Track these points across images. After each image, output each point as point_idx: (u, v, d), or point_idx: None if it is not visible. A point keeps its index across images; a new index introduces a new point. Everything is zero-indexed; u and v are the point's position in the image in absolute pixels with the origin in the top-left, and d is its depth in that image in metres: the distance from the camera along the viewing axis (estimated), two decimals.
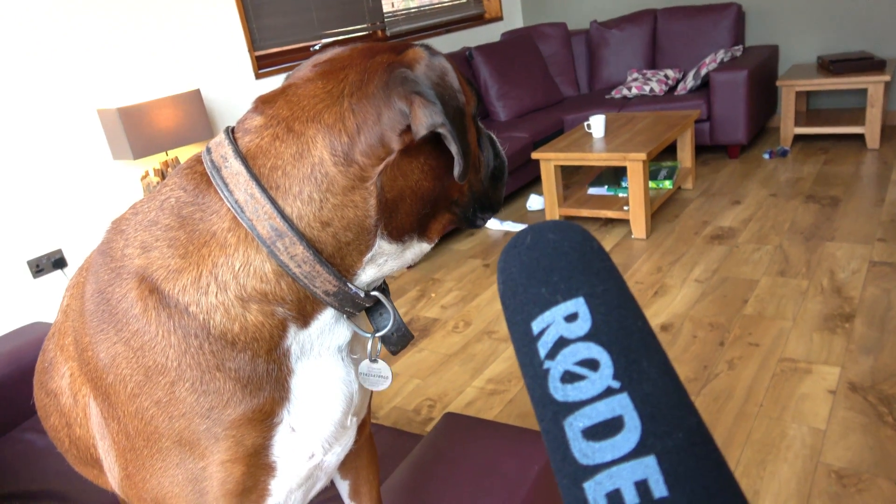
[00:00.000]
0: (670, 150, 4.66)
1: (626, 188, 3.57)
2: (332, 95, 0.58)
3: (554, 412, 0.34)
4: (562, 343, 0.35)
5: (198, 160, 0.61)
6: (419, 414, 2.20)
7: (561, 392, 0.34)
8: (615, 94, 4.68)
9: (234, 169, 0.57)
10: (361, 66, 0.59)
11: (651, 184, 3.68)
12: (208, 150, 0.60)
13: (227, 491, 0.60)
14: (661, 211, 3.67)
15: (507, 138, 4.16)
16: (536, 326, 0.37)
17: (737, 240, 3.15)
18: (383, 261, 0.63)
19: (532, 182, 4.55)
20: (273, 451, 0.61)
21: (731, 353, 2.25)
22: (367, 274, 0.62)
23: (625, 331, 0.35)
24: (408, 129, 0.57)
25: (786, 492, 1.63)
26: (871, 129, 4.07)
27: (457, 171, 0.59)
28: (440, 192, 0.64)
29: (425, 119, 0.56)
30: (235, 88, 3.66)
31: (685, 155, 3.91)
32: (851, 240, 2.95)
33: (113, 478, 0.66)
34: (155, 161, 3.20)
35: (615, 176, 3.81)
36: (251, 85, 3.74)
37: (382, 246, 0.61)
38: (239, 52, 3.65)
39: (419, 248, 0.66)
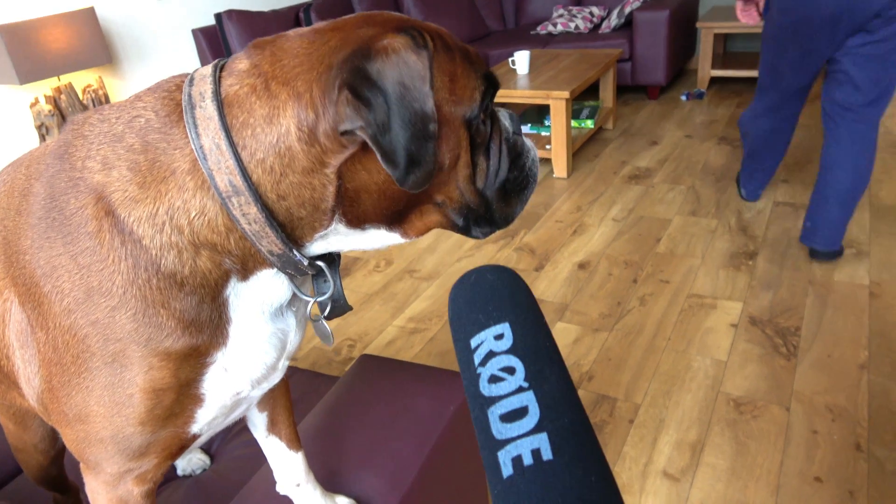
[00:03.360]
0: (592, 90, 4.68)
1: (548, 127, 3.57)
2: (310, 59, 0.54)
3: (482, 404, 0.46)
4: (490, 355, 0.48)
5: (178, 86, 0.58)
6: (339, 354, 2.18)
7: (487, 390, 0.46)
8: (541, 30, 4.62)
9: (207, 112, 0.55)
10: (344, 34, 0.55)
11: (573, 123, 3.70)
12: (191, 81, 0.57)
13: (154, 416, 0.60)
14: (582, 150, 3.70)
15: None
16: (474, 342, 0.50)
17: (653, 180, 3.23)
18: (336, 240, 0.62)
19: None
20: (203, 385, 0.62)
21: (644, 290, 2.33)
22: (316, 247, 0.62)
23: (535, 347, 0.48)
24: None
25: (688, 419, 1.73)
26: None
27: (397, 175, 0.54)
28: (415, 197, 0.60)
29: (347, 118, 0.52)
30: (135, 7, 3.36)
31: (607, 95, 3.93)
32: None
33: (31, 388, 0.63)
34: (45, 87, 2.93)
35: (538, 114, 3.80)
36: (153, 5, 3.44)
37: (339, 228, 0.60)
38: None
39: (389, 237, 0.63)
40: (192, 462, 1.17)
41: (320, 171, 0.55)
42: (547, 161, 3.59)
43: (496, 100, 3.35)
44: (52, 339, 0.58)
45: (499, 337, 0.48)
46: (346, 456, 0.98)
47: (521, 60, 3.56)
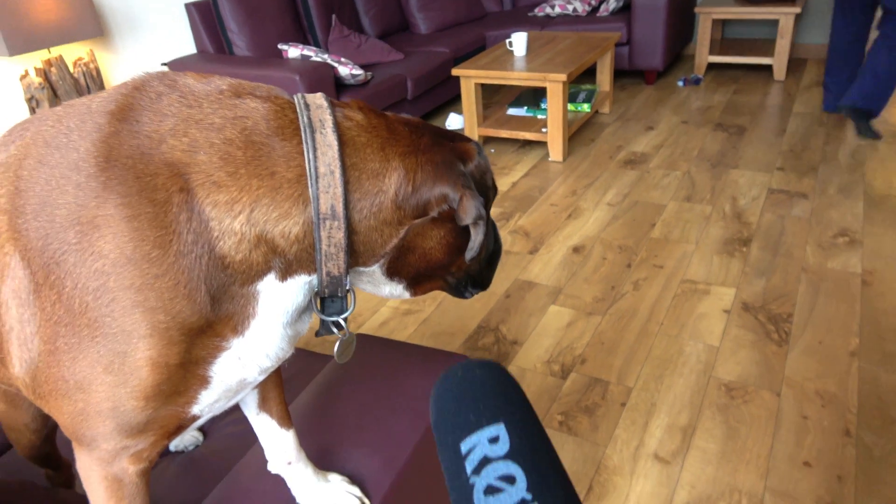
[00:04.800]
0: (589, 74, 4.65)
1: (545, 110, 3.55)
2: (413, 144, 0.68)
3: None
4: (485, 461, 0.43)
5: (289, 104, 0.65)
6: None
7: (484, 503, 0.41)
8: (538, 11, 4.58)
9: (328, 140, 0.62)
10: (432, 137, 0.71)
11: (570, 106, 3.68)
12: (306, 106, 0.64)
13: (158, 391, 0.60)
14: (578, 134, 3.69)
15: (428, 53, 4.01)
16: (464, 446, 0.45)
17: (648, 165, 3.22)
18: (366, 280, 0.73)
19: (452, 100, 4.45)
20: (213, 368, 0.64)
21: (637, 275, 2.33)
22: (350, 278, 0.71)
23: (536, 452, 0.43)
24: (447, 208, 0.68)
25: (679, 403, 1.74)
26: (779, 61, 4.20)
27: (470, 254, 0.72)
28: (445, 263, 0.74)
29: (472, 211, 0.68)
30: None
31: (604, 78, 3.91)
32: (753, 168, 3.08)
33: (26, 351, 0.60)
34: (35, 59, 2.88)
35: (535, 97, 3.77)
36: None
37: (375, 271, 0.71)
38: None
39: (400, 292, 0.76)
40: (184, 438, 1.17)
41: (395, 226, 0.67)
42: (543, 144, 3.58)
43: (492, 81, 3.31)
44: (68, 299, 0.56)
45: (494, 440, 0.44)
46: (339, 434, 0.98)
47: (518, 42, 3.53)
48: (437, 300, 2.28)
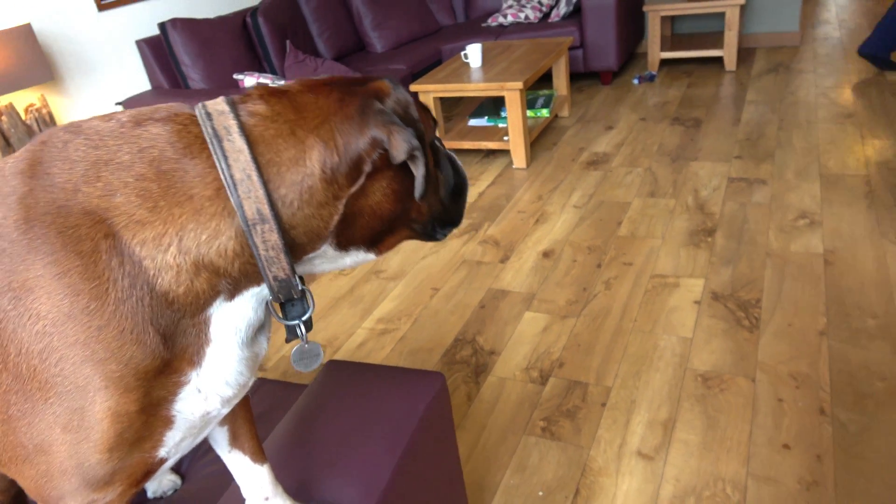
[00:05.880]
0: (546, 79, 4.71)
1: (505, 118, 3.58)
2: (323, 111, 0.65)
3: None
4: None
5: (190, 119, 0.63)
6: None
7: None
8: (491, 21, 4.63)
9: (237, 145, 0.61)
10: (340, 90, 0.67)
11: (529, 113, 3.72)
12: (208, 116, 0.62)
13: (122, 440, 0.60)
14: (539, 139, 3.73)
15: (384, 70, 4.03)
16: None
17: (610, 164, 3.27)
18: (319, 262, 0.71)
19: None
20: (175, 406, 0.63)
21: (608, 274, 2.36)
22: (300, 269, 0.70)
23: None
24: (379, 155, 0.65)
25: (658, 398, 1.76)
26: (728, 52, 4.30)
27: (417, 192, 0.68)
28: (400, 213, 0.72)
29: (404, 145, 0.65)
30: (74, 23, 3.26)
31: (561, 83, 3.96)
32: (712, 158, 3.14)
33: None
34: None
35: (495, 106, 3.81)
36: (93, 19, 3.35)
37: (327, 251, 0.69)
38: None
39: (363, 257, 0.73)
40: (162, 483, 1.15)
41: (332, 204, 0.64)
42: (506, 152, 3.61)
43: (451, 94, 3.32)
44: (14, 366, 0.56)
45: None
46: (316, 464, 0.97)
47: (473, 54, 3.56)
48: (413, 317, 2.28)
